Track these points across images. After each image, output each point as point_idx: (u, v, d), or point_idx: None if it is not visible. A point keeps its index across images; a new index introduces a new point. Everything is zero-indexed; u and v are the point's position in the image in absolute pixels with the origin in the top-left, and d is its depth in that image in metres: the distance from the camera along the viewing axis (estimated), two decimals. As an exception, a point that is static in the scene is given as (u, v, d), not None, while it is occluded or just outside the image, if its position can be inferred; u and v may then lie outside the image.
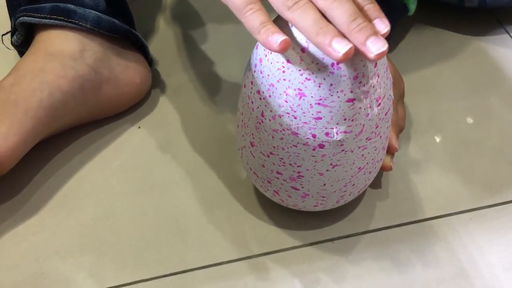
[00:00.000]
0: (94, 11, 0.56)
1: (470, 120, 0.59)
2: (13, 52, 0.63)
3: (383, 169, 0.51)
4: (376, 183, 0.53)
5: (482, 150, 0.56)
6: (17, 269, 0.49)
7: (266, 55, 0.41)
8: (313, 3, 0.38)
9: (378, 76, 0.41)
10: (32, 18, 0.55)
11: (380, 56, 0.36)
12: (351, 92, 0.40)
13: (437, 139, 0.58)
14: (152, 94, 0.62)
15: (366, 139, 0.43)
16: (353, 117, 0.41)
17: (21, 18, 0.56)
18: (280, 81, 0.40)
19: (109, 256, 0.49)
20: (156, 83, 0.63)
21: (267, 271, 0.48)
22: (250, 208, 0.52)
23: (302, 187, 0.45)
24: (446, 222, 0.51)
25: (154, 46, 0.66)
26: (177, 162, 0.56)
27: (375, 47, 0.36)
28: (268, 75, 0.41)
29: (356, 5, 0.37)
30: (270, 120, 0.42)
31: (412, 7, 0.54)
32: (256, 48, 0.43)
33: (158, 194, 0.54)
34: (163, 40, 0.68)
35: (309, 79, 0.39)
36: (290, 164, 0.44)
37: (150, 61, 0.62)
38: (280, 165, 0.44)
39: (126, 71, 0.58)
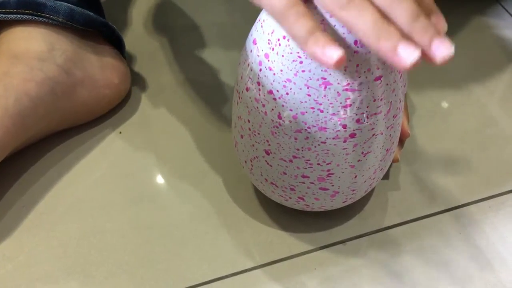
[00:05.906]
0: (65, 3, 0.50)
1: (479, 102, 0.56)
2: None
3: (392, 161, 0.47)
4: (384, 176, 0.49)
5: (494, 134, 0.53)
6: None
7: (273, 49, 0.36)
8: (370, 0, 0.32)
9: None
10: None
11: (446, 61, 0.32)
12: (378, 69, 0.36)
13: (444, 124, 0.54)
14: (132, 95, 0.56)
15: (393, 116, 0.39)
16: (381, 96, 0.37)
17: None
18: (299, 74, 0.36)
19: (98, 278, 0.44)
20: (135, 82, 0.57)
21: (275, 282, 0.43)
22: (251, 213, 0.47)
23: (332, 186, 0.41)
24: (464, 213, 0.47)
25: (128, 41, 0.59)
26: (164, 168, 0.51)
27: (441, 51, 0.31)
28: (281, 71, 0.36)
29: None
30: (290, 121, 0.37)
31: None
32: (254, 43, 0.37)
33: (148, 205, 0.48)
34: (138, 34, 0.62)
35: None
36: (319, 164, 0.39)
37: (125, 58, 0.56)
38: (307, 168, 0.40)
39: (102, 70, 0.52)
